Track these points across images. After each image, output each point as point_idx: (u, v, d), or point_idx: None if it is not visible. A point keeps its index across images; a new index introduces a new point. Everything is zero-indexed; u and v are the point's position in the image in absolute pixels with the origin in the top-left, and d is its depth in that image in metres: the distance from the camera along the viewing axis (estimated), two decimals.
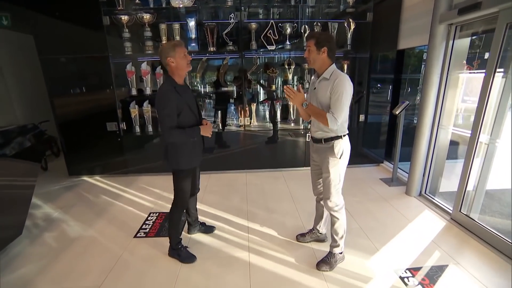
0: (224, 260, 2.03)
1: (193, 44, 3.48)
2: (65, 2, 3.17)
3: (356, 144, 3.94)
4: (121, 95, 3.61)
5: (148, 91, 3.62)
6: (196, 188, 2.20)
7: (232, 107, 4.04)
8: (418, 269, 1.88)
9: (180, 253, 2.02)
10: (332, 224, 1.91)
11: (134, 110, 3.69)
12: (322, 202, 2.06)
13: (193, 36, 3.47)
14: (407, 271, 1.86)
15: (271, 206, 2.82)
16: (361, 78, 3.73)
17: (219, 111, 3.84)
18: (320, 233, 2.19)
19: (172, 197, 1.99)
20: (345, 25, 3.47)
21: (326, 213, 2.12)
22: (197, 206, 2.59)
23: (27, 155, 2.22)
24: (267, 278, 1.84)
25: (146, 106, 3.72)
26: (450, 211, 2.48)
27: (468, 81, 2.40)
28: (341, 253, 1.94)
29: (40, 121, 3.86)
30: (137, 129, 3.72)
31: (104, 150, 3.68)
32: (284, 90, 1.75)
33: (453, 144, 2.88)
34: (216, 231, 2.40)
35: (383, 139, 3.87)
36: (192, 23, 3.41)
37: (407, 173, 3.03)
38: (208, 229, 2.38)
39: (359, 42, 3.58)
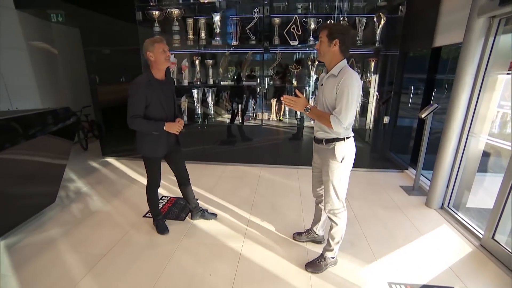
0: (217, 248, 2.10)
1: (217, 38, 3.58)
2: None
3: (382, 147, 3.69)
4: None
5: (175, 82, 3.82)
6: (182, 178, 2.31)
7: (252, 102, 4.06)
8: (416, 285, 1.73)
9: (158, 224, 2.29)
10: (330, 228, 1.84)
11: None
12: (321, 205, 2.01)
13: (218, 30, 3.56)
14: (402, 285, 1.73)
15: (277, 202, 2.82)
16: (390, 78, 3.46)
17: (239, 105, 3.91)
18: (317, 235, 2.14)
19: None
20: (375, 20, 3.24)
21: (324, 216, 2.06)
22: (206, 194, 2.71)
23: (61, 134, 2.53)
24: (253, 271, 1.86)
25: None
26: (475, 231, 2.20)
27: (507, 84, 2.07)
28: (333, 257, 1.87)
29: (83, 106, 4.36)
30: None
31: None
32: (283, 101, 1.69)
33: (488, 155, 2.55)
34: (217, 220, 2.48)
35: (412, 145, 3.56)
36: (217, 18, 3.50)
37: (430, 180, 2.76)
38: (209, 216, 2.48)
39: (389, 38, 3.31)
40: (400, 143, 3.84)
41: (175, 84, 3.73)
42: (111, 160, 4.10)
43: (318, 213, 2.09)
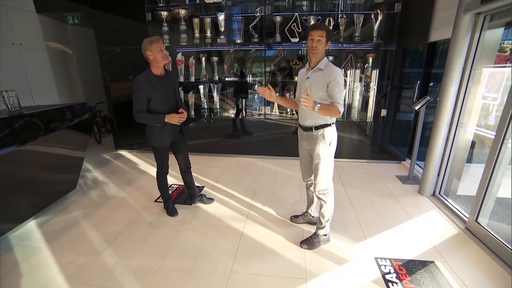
0: (221, 227, 2.33)
1: (222, 37, 3.77)
2: (119, 0, 3.74)
3: (381, 140, 3.83)
4: None
5: (181, 78, 4.06)
6: (184, 166, 2.53)
7: (255, 97, 4.26)
8: (400, 260, 1.92)
9: (168, 207, 2.54)
10: (320, 206, 2.04)
11: None
12: (311, 188, 2.20)
13: (222, 29, 3.75)
14: (387, 260, 1.92)
15: (278, 190, 3.02)
16: (389, 72, 3.59)
17: (243, 100, 4.11)
18: (312, 216, 2.33)
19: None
20: (372, 16, 3.37)
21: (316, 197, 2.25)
22: (213, 182, 2.93)
23: (79, 128, 2.78)
24: (253, 246, 2.08)
25: (180, 92, 4.18)
26: (462, 215, 2.36)
27: (490, 76, 2.20)
28: (325, 235, 2.07)
29: (97, 102, 4.65)
30: None
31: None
32: (303, 102, 1.64)
33: (480, 146, 2.68)
34: (221, 204, 2.71)
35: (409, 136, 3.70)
36: (221, 17, 3.70)
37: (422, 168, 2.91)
38: (206, 200, 2.72)
39: (386, 34, 3.45)
40: (399, 136, 3.98)
41: (182, 80, 4.04)
42: (123, 152, 4.38)
43: (310, 196, 2.29)
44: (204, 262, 1.92)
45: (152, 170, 3.66)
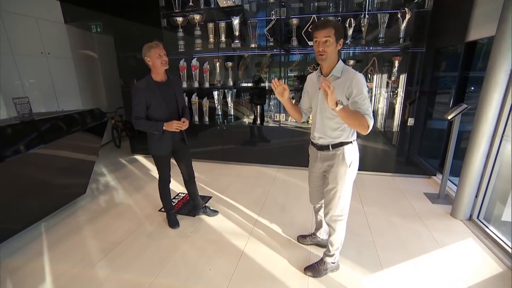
0: (221, 244, 2.16)
1: (236, 41, 3.67)
2: (136, 8, 3.82)
3: (408, 151, 3.44)
4: None
5: (196, 84, 4.01)
6: (187, 175, 2.41)
7: (271, 103, 4.08)
8: None
9: (170, 218, 2.43)
10: (329, 234, 1.78)
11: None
12: (320, 213, 1.96)
13: (237, 33, 3.65)
14: None
15: (288, 204, 2.79)
16: (417, 77, 3.21)
17: (258, 106, 3.95)
18: (321, 239, 2.08)
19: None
20: (399, 15, 3.05)
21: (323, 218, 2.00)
22: (220, 193, 2.81)
23: (90, 133, 2.81)
24: (252, 268, 1.89)
25: (194, 97, 4.14)
26: (510, 248, 1.95)
27: None
28: (333, 263, 1.81)
29: (118, 107, 4.77)
30: None
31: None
32: (323, 83, 1.32)
33: None
34: (225, 218, 2.55)
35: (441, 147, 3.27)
36: (236, 21, 3.60)
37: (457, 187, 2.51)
38: (211, 213, 2.57)
39: (415, 35, 3.09)
40: (430, 147, 3.55)
41: (197, 85, 3.98)
42: (139, 157, 4.43)
43: (319, 219, 2.04)
44: (197, 284, 1.77)
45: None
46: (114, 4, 3.89)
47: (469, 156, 2.27)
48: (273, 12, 3.43)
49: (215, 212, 2.60)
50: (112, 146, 5.02)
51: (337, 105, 1.36)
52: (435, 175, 3.31)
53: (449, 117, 2.48)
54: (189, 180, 2.44)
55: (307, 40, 3.43)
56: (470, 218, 2.38)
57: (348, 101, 1.49)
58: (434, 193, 2.89)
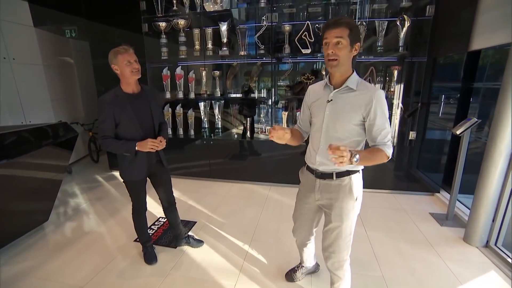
0: (207, 285, 1.82)
1: (224, 49, 3.40)
2: (114, 11, 3.49)
3: (408, 165, 3.22)
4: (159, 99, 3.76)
5: (180, 94, 3.69)
6: (166, 202, 2.07)
7: (262, 115, 3.80)
8: None
9: (146, 252, 2.07)
10: (332, 283, 1.49)
11: (167, 113, 3.81)
12: (307, 246, 1.68)
13: (225, 40, 3.38)
14: None
15: (282, 229, 2.48)
16: (417, 87, 3.03)
17: (248, 118, 3.67)
18: (311, 266, 1.84)
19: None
20: (398, 23, 2.87)
21: (310, 249, 1.72)
22: (206, 217, 2.51)
23: (54, 151, 2.42)
24: None
25: (179, 109, 3.81)
26: None
27: None
28: None
29: (96, 118, 4.36)
30: (169, 131, 3.83)
31: None
32: (333, 154, 1.03)
33: None
34: (211, 249, 2.20)
35: (445, 162, 3.07)
36: (224, 28, 3.34)
37: (470, 209, 2.29)
38: (195, 244, 2.22)
39: (415, 43, 2.93)
40: (430, 160, 3.36)
41: (181, 96, 3.66)
42: (117, 173, 4.01)
43: (302, 253, 1.76)
44: None
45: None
46: (90, 7, 3.55)
47: (484, 175, 2.05)
48: (264, 18, 3.20)
49: (199, 242, 2.24)
50: (88, 160, 4.56)
51: (351, 160, 1.05)
52: (439, 192, 3.09)
53: (458, 132, 2.27)
54: (169, 207, 2.09)
55: (300, 48, 3.21)
56: (487, 245, 2.14)
57: (362, 120, 1.22)
58: (441, 214, 2.65)
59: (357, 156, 1.07)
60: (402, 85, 3.15)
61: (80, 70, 4.66)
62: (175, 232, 2.20)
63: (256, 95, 3.58)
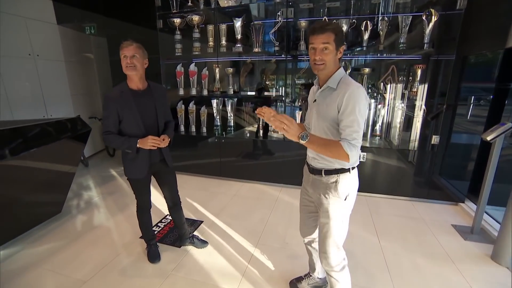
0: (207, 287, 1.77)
1: (238, 45, 3.33)
2: (130, 7, 3.53)
3: (429, 170, 2.99)
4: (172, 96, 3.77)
5: (193, 91, 3.68)
6: (171, 201, 2.03)
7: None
8: None
9: (149, 251, 2.05)
10: (331, 287, 1.41)
11: (180, 110, 3.81)
12: (313, 246, 1.61)
13: (239, 36, 3.31)
14: None
15: (291, 232, 2.38)
16: (443, 88, 2.80)
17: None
18: (319, 278, 1.71)
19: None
20: (423, 18, 2.66)
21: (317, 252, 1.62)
22: (213, 216, 2.52)
23: (66, 145, 2.46)
24: None
25: (192, 106, 3.80)
26: None
27: None
28: None
29: None
30: (182, 128, 3.83)
31: None
32: (265, 112, 1.11)
33: None
34: (215, 250, 2.15)
35: (472, 169, 2.82)
36: (238, 24, 3.26)
37: (499, 223, 2.07)
38: (199, 244, 2.17)
39: (442, 40, 2.69)
40: (455, 166, 3.11)
41: (194, 93, 3.65)
42: None
43: (312, 257, 1.67)
44: None
45: (154, 192, 3.26)
46: (108, 4, 3.61)
47: None
48: (279, 14, 3.08)
49: (204, 243, 2.20)
50: (105, 154, 4.70)
51: (299, 139, 1.10)
52: (464, 202, 2.84)
53: (489, 138, 2.05)
54: (173, 207, 2.06)
55: None
56: None
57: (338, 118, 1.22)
58: (466, 226, 2.43)
59: (307, 137, 1.10)
60: (426, 85, 2.93)
61: (100, 66, 4.78)
62: (179, 232, 2.17)
63: (272, 93, 3.49)
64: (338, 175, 1.28)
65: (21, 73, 3.49)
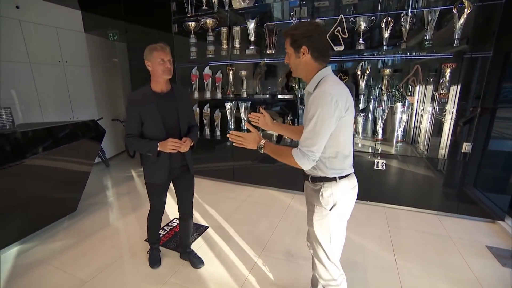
0: None
1: (251, 47, 3.27)
2: (147, 13, 3.63)
3: (460, 181, 2.67)
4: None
5: (208, 94, 3.68)
6: (184, 211, 1.96)
7: (289, 118, 3.56)
8: None
9: (150, 254, 2.04)
10: None
11: (195, 113, 3.84)
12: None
13: (252, 38, 3.25)
14: None
15: (298, 243, 2.24)
16: (477, 88, 2.48)
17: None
18: None
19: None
20: (454, 10, 2.38)
21: None
22: (221, 221, 2.51)
23: (82, 146, 2.56)
24: None
25: (206, 109, 3.81)
26: None
27: None
28: None
29: None
30: None
31: None
32: (230, 139, 1.35)
33: None
34: (216, 259, 2.08)
35: None
36: (251, 26, 3.20)
37: None
38: (195, 262, 2.00)
39: (477, 35, 2.39)
40: (494, 177, 2.74)
41: (209, 96, 3.65)
42: None
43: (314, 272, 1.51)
44: None
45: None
46: (127, 10, 3.75)
47: None
48: (292, 13, 2.97)
49: (200, 263, 2.00)
50: (126, 155, 4.89)
51: (257, 149, 1.27)
52: (503, 220, 2.48)
53: None
54: (184, 217, 1.98)
55: (332, 45, 2.90)
56: None
57: None
58: (504, 249, 2.11)
59: (261, 147, 1.24)
60: (457, 86, 2.62)
61: (123, 71, 5.00)
62: (181, 242, 2.09)
63: (286, 96, 3.37)
64: (322, 183, 1.21)
65: (51, 78, 3.75)
